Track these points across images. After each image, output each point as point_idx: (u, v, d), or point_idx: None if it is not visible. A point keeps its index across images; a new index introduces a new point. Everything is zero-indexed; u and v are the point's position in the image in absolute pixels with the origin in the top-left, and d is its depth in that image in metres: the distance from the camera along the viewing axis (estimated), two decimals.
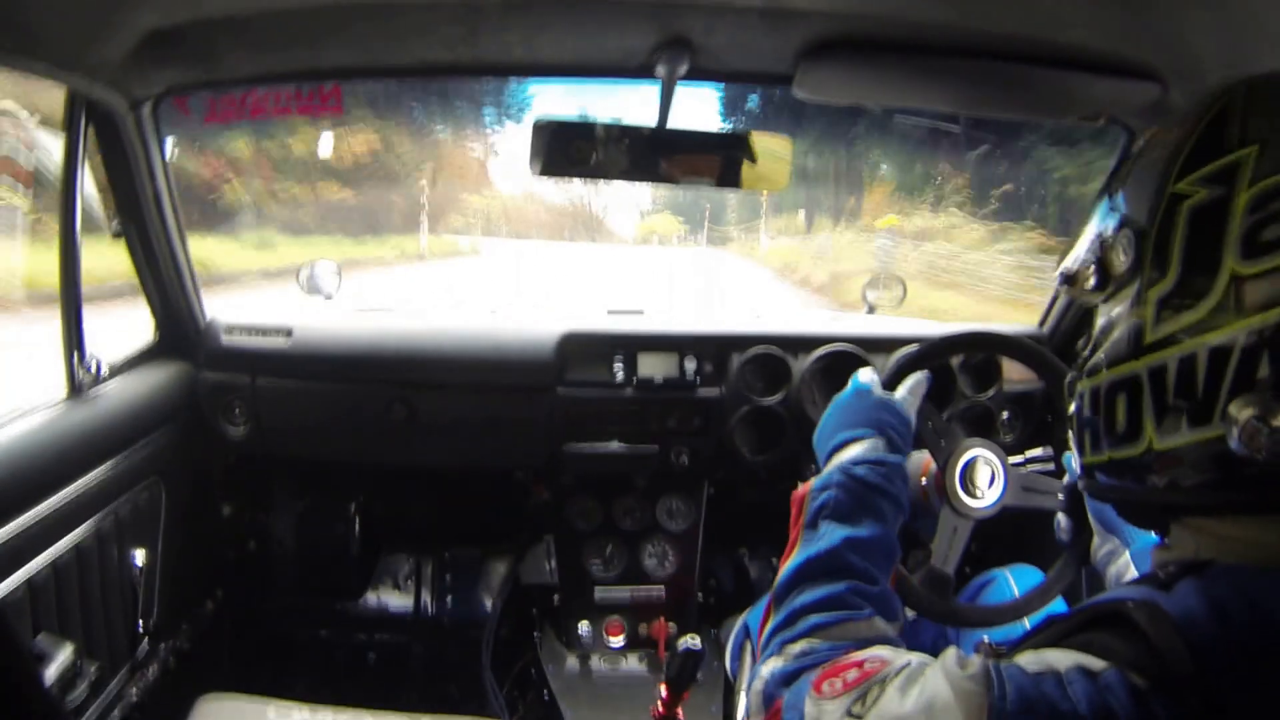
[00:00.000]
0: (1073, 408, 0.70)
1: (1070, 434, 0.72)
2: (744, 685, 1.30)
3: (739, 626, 1.42)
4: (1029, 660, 0.57)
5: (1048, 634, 0.62)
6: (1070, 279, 0.72)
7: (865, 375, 1.08)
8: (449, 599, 2.08)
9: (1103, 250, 0.65)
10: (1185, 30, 1.00)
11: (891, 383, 1.09)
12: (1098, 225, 0.68)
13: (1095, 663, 0.54)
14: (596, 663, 1.81)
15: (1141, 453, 0.60)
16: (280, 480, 1.98)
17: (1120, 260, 0.63)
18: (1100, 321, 0.67)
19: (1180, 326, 0.57)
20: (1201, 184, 0.57)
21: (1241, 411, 0.53)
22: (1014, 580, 1.30)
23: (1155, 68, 1.10)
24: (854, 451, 0.95)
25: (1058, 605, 1.14)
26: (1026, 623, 1.13)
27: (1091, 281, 0.66)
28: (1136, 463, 0.61)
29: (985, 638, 0.94)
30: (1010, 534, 1.44)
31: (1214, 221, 0.56)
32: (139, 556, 1.45)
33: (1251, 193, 0.54)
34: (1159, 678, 0.51)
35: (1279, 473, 0.52)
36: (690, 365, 1.75)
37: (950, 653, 0.61)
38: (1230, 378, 0.54)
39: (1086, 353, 0.69)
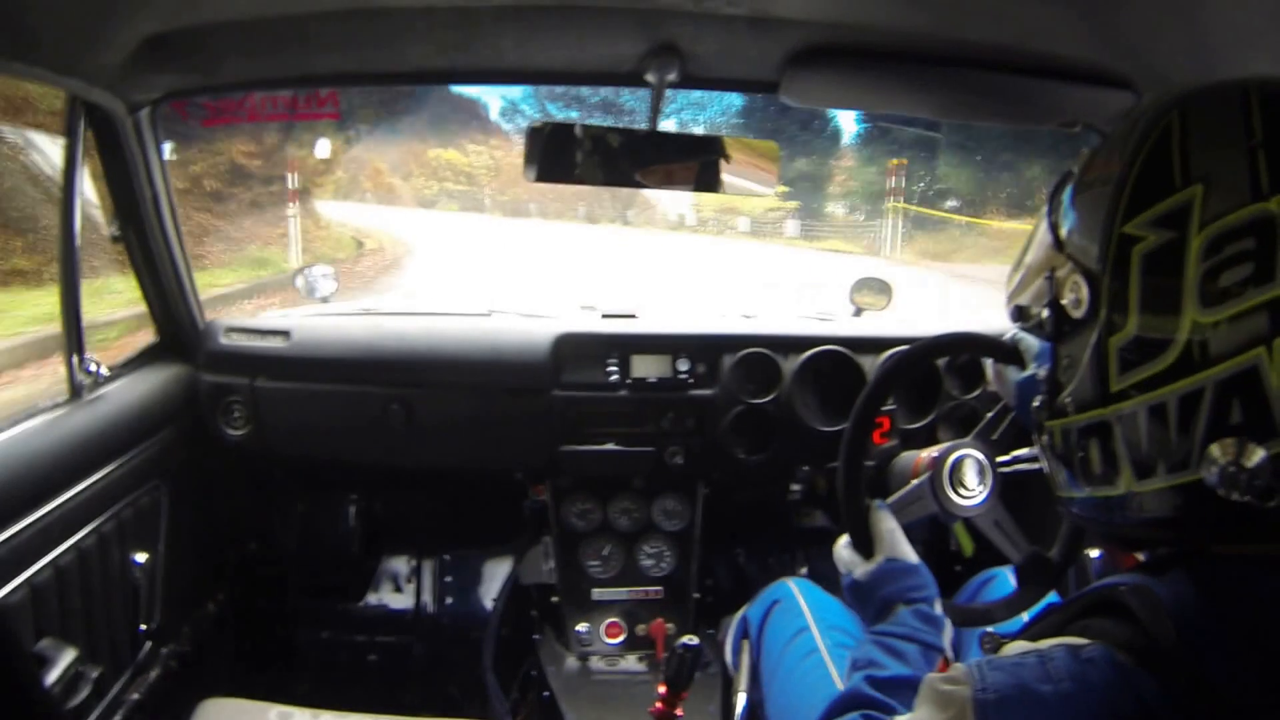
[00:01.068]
0: (1044, 440, 0.69)
1: (1044, 467, 0.71)
2: (742, 683, 1.31)
3: (738, 620, 1.43)
4: (1016, 648, 0.59)
5: (1045, 624, 0.63)
6: (1022, 314, 0.71)
7: (844, 557, 1.05)
8: (449, 600, 2.09)
9: (1053, 288, 0.65)
10: (1157, 39, 1.01)
11: (863, 543, 1.04)
12: (1044, 254, 0.67)
13: (1081, 640, 0.55)
14: (595, 662, 1.82)
15: (1121, 494, 0.60)
16: (280, 482, 1.99)
17: (1074, 303, 0.62)
18: (1062, 360, 0.66)
19: (1146, 376, 0.56)
20: (1150, 227, 0.56)
21: (1219, 456, 0.52)
22: (1014, 579, 1.31)
23: (1128, 76, 1.12)
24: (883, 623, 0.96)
25: (1052, 597, 1.16)
26: (1025, 615, 1.14)
27: (1046, 321, 0.66)
28: (1116, 501, 0.61)
29: (989, 629, 0.96)
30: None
31: (1169, 267, 0.55)
32: (140, 559, 1.46)
33: (1204, 237, 0.53)
34: (1147, 656, 0.52)
35: (1261, 508, 0.52)
36: (683, 366, 1.76)
37: (928, 676, 0.63)
38: (1204, 424, 0.53)
39: (1045, 387, 0.68)
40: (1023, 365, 0.77)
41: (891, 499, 1.14)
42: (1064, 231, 0.65)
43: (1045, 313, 0.65)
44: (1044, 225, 0.68)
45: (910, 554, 0.99)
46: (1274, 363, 0.50)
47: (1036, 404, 0.70)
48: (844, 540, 1.06)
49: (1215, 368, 0.53)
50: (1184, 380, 0.54)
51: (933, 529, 1.21)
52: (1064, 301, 0.64)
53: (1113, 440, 0.59)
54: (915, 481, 1.17)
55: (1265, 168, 0.52)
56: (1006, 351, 1.21)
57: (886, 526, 1.02)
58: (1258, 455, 0.51)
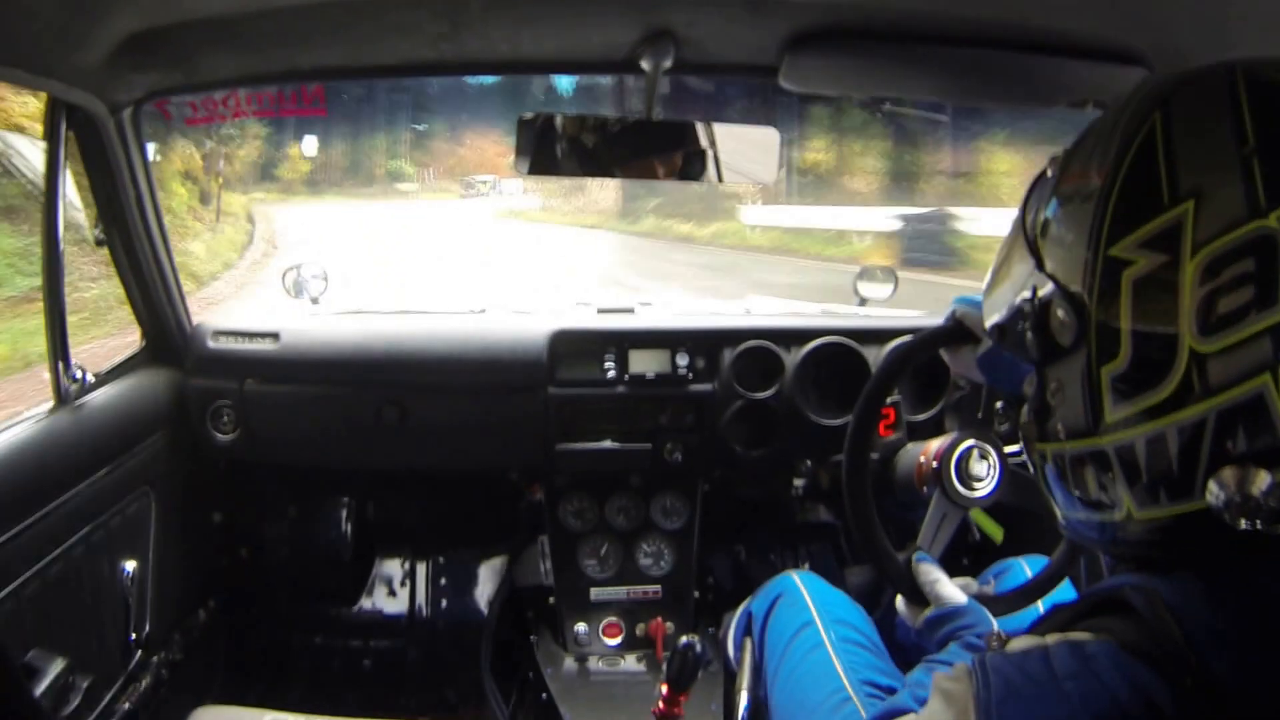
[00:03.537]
0: (1035, 460, 0.66)
1: (1040, 485, 0.68)
2: (744, 680, 1.29)
3: (740, 614, 1.42)
4: (1021, 643, 0.58)
5: (1052, 621, 0.61)
6: (1003, 334, 0.67)
7: (903, 612, 1.10)
8: (444, 602, 2.07)
9: (1036, 311, 0.61)
10: (1170, 14, 0.99)
11: (914, 597, 1.08)
12: (1023, 271, 0.63)
13: (1085, 636, 0.54)
14: (594, 663, 1.81)
15: (1121, 519, 0.58)
16: (271, 486, 1.96)
17: (1061, 329, 0.59)
18: (1049, 383, 0.62)
19: (1143, 408, 0.53)
20: (1140, 250, 0.53)
21: (1223, 486, 0.50)
22: (1029, 569, 1.31)
23: (1141, 52, 1.10)
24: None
25: (1066, 592, 1.15)
26: (1041, 606, 1.13)
27: (1030, 345, 0.62)
28: (1116, 525, 0.58)
29: (995, 628, 0.95)
30: (1016, 523, 1.45)
31: (1162, 293, 0.52)
32: (130, 567, 1.43)
33: (1198, 261, 0.50)
34: (1153, 658, 0.51)
35: (1270, 533, 0.50)
36: (682, 361, 1.74)
37: (936, 675, 0.62)
38: (1206, 453, 0.51)
39: (1031, 405, 0.65)
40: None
41: (922, 538, 1.15)
42: (1044, 249, 0.62)
43: (1029, 335, 0.62)
44: (1020, 236, 0.65)
45: (956, 596, 1.03)
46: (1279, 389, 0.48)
47: (1022, 433, 0.68)
48: (900, 600, 1.11)
49: (1217, 397, 0.50)
50: (1184, 411, 0.51)
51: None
52: (1050, 325, 0.60)
53: (1109, 469, 0.57)
54: (932, 509, 1.17)
55: (1261, 179, 0.49)
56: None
57: (930, 578, 1.06)
58: (1263, 480, 0.49)
